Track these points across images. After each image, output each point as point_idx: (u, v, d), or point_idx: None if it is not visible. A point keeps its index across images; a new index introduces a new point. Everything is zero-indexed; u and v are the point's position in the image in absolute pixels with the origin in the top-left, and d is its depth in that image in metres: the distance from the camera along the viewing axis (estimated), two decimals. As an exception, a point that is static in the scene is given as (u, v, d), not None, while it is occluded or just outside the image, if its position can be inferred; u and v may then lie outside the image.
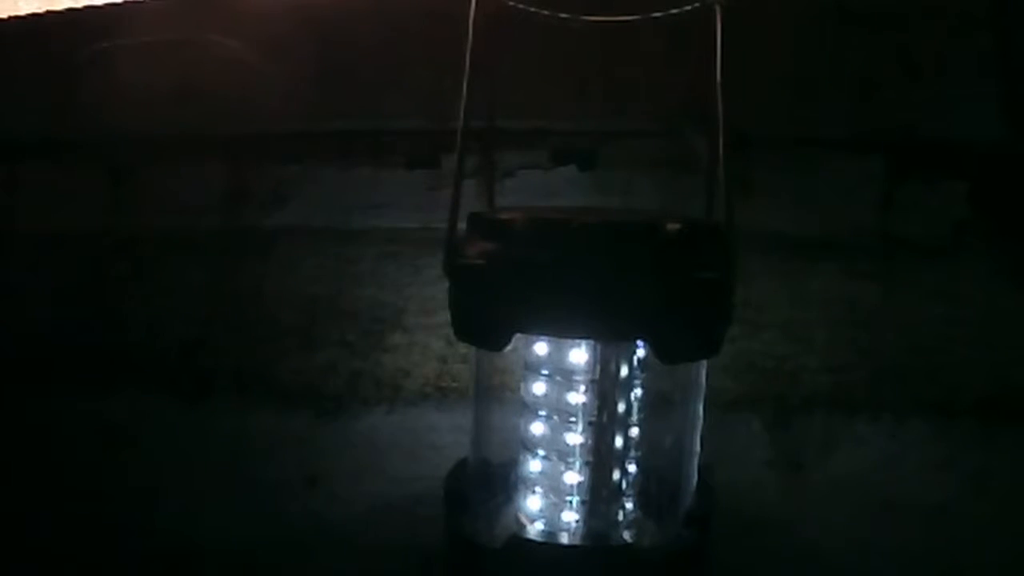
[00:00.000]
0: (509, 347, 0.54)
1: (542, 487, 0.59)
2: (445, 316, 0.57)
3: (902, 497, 0.73)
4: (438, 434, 0.82)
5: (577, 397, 0.57)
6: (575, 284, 0.51)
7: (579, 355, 0.57)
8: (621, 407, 0.58)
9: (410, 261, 0.87)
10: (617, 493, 0.59)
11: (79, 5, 0.94)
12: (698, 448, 0.61)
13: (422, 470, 0.77)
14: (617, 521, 0.59)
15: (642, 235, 0.54)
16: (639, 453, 0.60)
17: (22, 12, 0.95)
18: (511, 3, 0.59)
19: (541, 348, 0.58)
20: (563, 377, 0.58)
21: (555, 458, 0.59)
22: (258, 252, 0.90)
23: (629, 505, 0.60)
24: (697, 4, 0.57)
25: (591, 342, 0.56)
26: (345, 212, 0.88)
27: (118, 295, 0.93)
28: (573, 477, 0.58)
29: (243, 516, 0.73)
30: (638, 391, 0.59)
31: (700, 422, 0.60)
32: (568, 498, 0.58)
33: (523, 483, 0.60)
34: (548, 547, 0.57)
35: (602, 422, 0.57)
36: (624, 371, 0.58)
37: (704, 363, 0.60)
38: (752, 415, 0.80)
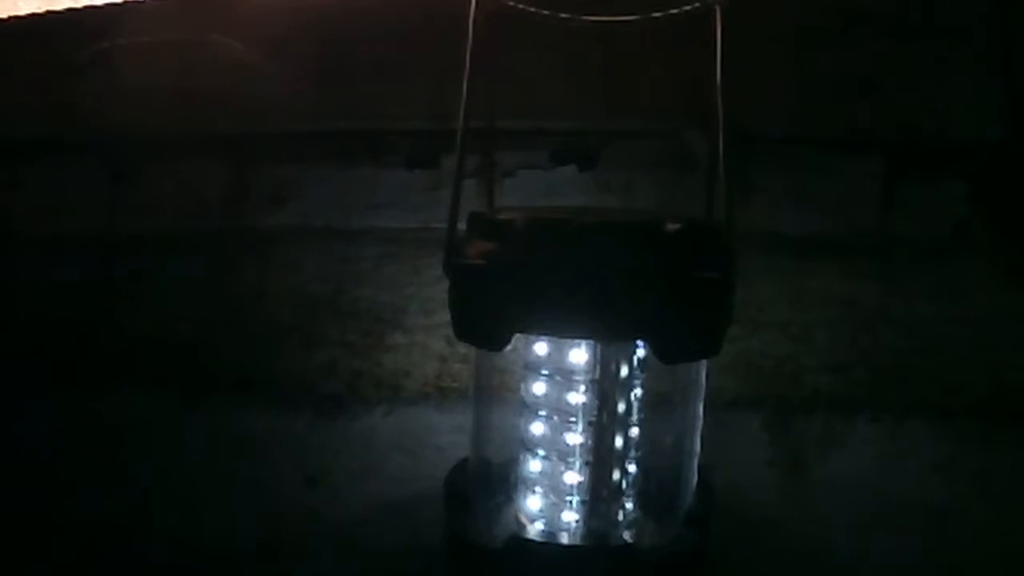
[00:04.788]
0: (509, 347, 0.54)
1: (542, 487, 0.59)
2: (445, 316, 0.57)
3: (902, 497, 0.73)
4: (438, 434, 0.82)
5: (577, 397, 0.58)
6: (575, 284, 0.51)
7: (579, 355, 0.57)
8: (621, 407, 0.58)
9: (410, 261, 0.87)
10: (617, 493, 0.59)
11: (79, 5, 0.94)
12: (698, 448, 0.61)
13: (422, 470, 0.77)
14: (617, 521, 0.59)
15: (642, 235, 0.54)
16: (639, 453, 0.60)
17: (22, 12, 0.95)
18: (511, 3, 0.59)
19: (541, 348, 0.58)
20: (563, 377, 0.58)
21: (555, 458, 0.59)
22: (258, 252, 0.90)
23: (629, 505, 0.60)
24: (697, 4, 0.57)
25: (591, 342, 0.56)
26: (345, 212, 0.88)
27: (118, 295, 0.93)
28: (573, 477, 0.58)
29: (243, 516, 0.73)
30: (638, 391, 0.59)
31: (700, 422, 0.60)
32: (568, 498, 0.58)
33: (523, 483, 0.60)
34: (548, 547, 0.57)
35: (602, 422, 0.57)
36: (624, 371, 0.58)
37: (704, 363, 0.60)
38: (752, 415, 0.80)
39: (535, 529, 0.59)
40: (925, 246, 0.80)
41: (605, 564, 0.57)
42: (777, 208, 0.80)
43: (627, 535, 0.59)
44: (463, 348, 0.79)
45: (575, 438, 0.58)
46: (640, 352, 0.58)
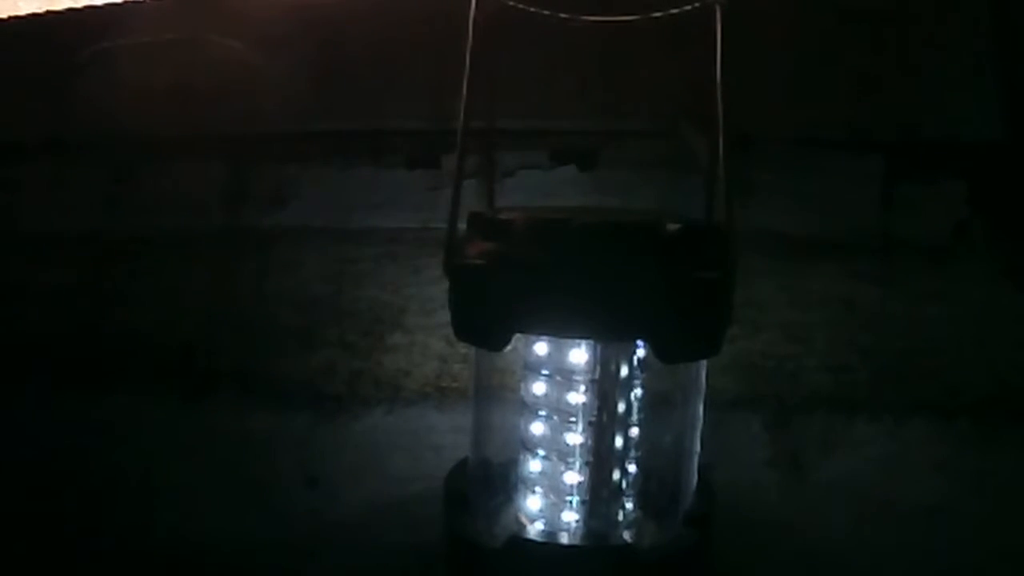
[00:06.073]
0: (509, 347, 0.54)
1: (542, 487, 0.59)
2: (445, 316, 0.57)
3: (902, 497, 0.73)
4: (438, 434, 0.82)
5: (577, 397, 0.58)
6: (575, 284, 0.51)
7: (579, 355, 0.57)
8: (621, 407, 0.58)
9: (410, 261, 0.87)
10: (617, 493, 0.59)
11: (79, 5, 0.94)
12: (698, 448, 0.61)
13: (422, 470, 0.77)
14: (617, 521, 0.59)
15: (642, 235, 0.54)
16: (639, 453, 0.60)
17: (22, 12, 0.95)
18: (511, 3, 0.59)
19: (541, 348, 0.58)
20: (563, 377, 0.58)
21: (555, 458, 0.59)
22: (258, 252, 0.90)
23: (629, 505, 0.60)
24: (697, 4, 0.57)
25: (591, 342, 0.56)
26: (345, 212, 0.88)
27: (118, 295, 0.93)
28: (573, 477, 0.58)
29: (243, 516, 0.73)
30: (638, 391, 0.59)
31: (700, 422, 0.60)
32: (568, 498, 0.58)
33: (523, 483, 0.60)
34: (548, 547, 0.57)
35: (602, 422, 0.57)
36: (624, 371, 0.58)
37: (704, 363, 0.60)
38: (752, 415, 0.80)
39: (535, 529, 0.59)
40: (925, 246, 0.80)
41: (605, 564, 0.57)
42: (777, 208, 0.80)
43: (627, 535, 0.59)
44: (463, 348, 0.79)
45: (575, 438, 0.58)
46: (640, 352, 0.58)
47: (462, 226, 0.57)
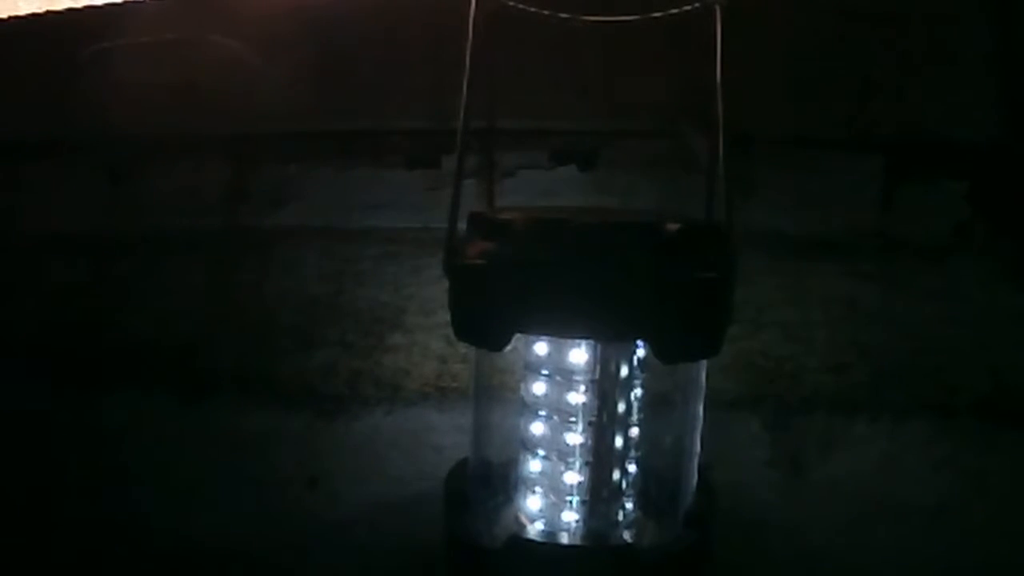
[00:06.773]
0: (509, 347, 0.54)
1: (542, 487, 0.59)
2: (445, 316, 0.57)
3: (902, 497, 0.73)
4: (438, 434, 0.82)
5: (577, 397, 0.58)
6: (575, 284, 0.51)
7: (579, 355, 0.57)
8: (621, 407, 0.58)
9: (410, 261, 0.87)
10: (617, 493, 0.59)
11: (79, 5, 0.94)
12: (698, 448, 0.61)
13: (422, 470, 0.77)
14: (617, 521, 0.59)
15: (642, 235, 0.54)
16: (639, 453, 0.60)
17: (22, 12, 0.95)
18: (511, 3, 0.59)
19: (541, 348, 0.58)
20: (563, 377, 0.58)
21: (555, 458, 0.59)
22: (258, 252, 0.90)
23: (629, 505, 0.60)
24: (697, 4, 0.58)
25: (591, 342, 0.56)
26: (345, 212, 0.88)
27: (118, 295, 0.93)
28: (573, 477, 0.58)
29: (243, 516, 0.73)
30: (638, 391, 0.59)
31: (700, 422, 0.60)
32: (568, 498, 0.58)
33: (523, 483, 0.60)
34: (548, 547, 0.57)
35: (602, 422, 0.57)
36: (624, 371, 0.58)
37: (704, 363, 0.60)
38: (752, 415, 0.80)
39: (535, 529, 0.59)
40: (925, 246, 0.80)
41: (605, 564, 0.57)
42: (777, 208, 0.80)
43: (627, 535, 0.59)
44: (463, 348, 0.79)
45: (575, 438, 0.58)
46: (640, 352, 0.58)
47: (462, 226, 0.57)
